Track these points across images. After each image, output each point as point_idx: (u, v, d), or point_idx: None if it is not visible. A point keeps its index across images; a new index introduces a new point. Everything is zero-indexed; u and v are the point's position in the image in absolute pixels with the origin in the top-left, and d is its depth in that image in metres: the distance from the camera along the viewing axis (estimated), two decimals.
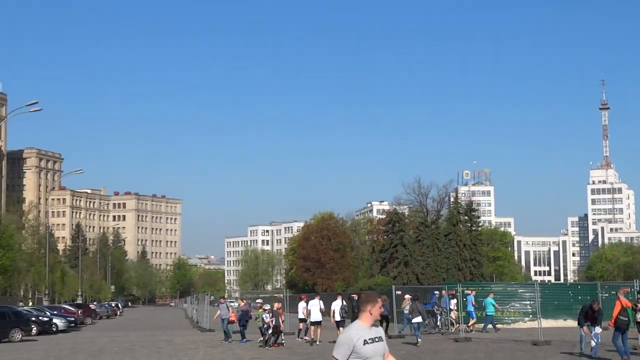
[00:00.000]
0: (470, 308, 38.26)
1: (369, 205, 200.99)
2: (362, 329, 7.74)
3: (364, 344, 7.64)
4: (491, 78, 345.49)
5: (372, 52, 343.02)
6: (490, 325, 37.45)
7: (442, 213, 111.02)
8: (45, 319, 48.44)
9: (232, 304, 38.98)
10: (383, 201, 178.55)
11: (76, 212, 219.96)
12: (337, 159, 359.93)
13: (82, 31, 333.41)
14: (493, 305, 37.51)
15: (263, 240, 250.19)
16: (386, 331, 26.11)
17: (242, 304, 37.09)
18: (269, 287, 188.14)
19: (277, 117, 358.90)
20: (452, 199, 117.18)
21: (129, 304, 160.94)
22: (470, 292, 39.22)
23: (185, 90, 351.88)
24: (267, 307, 29.24)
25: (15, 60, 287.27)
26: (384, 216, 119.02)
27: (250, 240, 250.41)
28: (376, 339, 7.75)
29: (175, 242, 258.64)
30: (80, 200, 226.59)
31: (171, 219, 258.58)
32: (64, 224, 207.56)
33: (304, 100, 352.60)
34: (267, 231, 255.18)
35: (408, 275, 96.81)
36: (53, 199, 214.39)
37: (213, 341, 34.75)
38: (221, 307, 36.67)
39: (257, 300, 38.22)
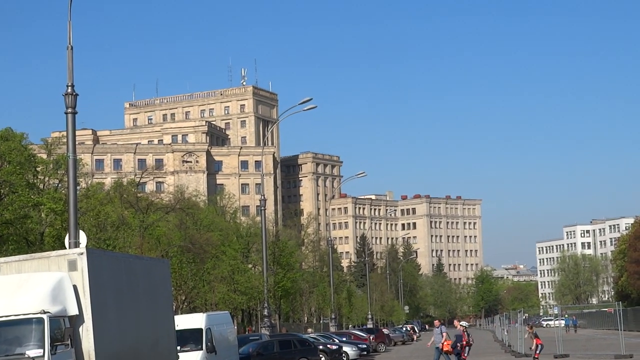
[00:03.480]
0: None
1: None
2: None
3: None
4: None
5: None
6: None
7: None
8: (334, 347, 49.73)
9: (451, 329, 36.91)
10: None
11: (360, 222, 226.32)
12: None
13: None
14: None
15: (583, 243, 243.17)
16: None
17: (458, 326, 35.77)
18: (594, 300, 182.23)
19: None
20: None
21: (426, 326, 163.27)
22: None
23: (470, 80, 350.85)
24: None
25: (283, 58, 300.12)
26: None
27: (568, 244, 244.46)
28: None
29: (476, 250, 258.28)
30: (363, 209, 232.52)
31: (470, 223, 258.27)
32: (347, 237, 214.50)
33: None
34: (588, 231, 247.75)
35: None
36: (333, 209, 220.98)
37: None
38: (435, 332, 35.42)
39: (462, 323, 35.62)
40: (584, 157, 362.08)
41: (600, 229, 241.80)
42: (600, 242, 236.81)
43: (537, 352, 33.20)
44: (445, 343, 33.49)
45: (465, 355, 32.84)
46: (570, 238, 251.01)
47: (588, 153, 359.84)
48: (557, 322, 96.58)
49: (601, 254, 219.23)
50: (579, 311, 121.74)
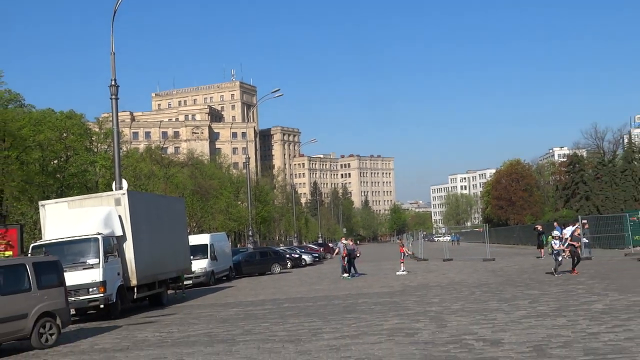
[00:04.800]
0: None
1: (551, 151, 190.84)
2: None
3: None
4: None
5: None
6: None
7: (618, 153, 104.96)
8: (296, 255, 50.26)
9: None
10: (563, 147, 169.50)
11: (313, 173, 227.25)
12: (520, 111, 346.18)
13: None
14: None
15: (462, 186, 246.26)
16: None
17: (350, 242, 34.75)
18: (468, 224, 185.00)
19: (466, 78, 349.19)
20: (626, 141, 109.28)
21: (358, 242, 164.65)
22: None
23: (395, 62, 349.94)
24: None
25: (260, 59, 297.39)
26: (564, 159, 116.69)
27: (451, 187, 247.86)
28: None
29: (390, 191, 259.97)
30: (315, 164, 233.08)
31: (386, 173, 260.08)
32: (304, 183, 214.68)
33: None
34: (465, 178, 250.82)
35: (589, 207, 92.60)
36: (294, 164, 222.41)
37: (429, 266, 34.65)
38: (339, 245, 33.65)
39: (346, 241, 33.99)
40: (459, 124, 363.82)
41: (472, 176, 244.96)
42: (473, 185, 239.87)
43: (402, 257, 32.80)
44: (343, 253, 32.47)
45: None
46: (453, 183, 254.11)
47: (461, 121, 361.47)
48: (445, 238, 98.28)
49: (473, 193, 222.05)
50: (459, 231, 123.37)
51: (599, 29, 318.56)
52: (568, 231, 24.44)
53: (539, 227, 41.04)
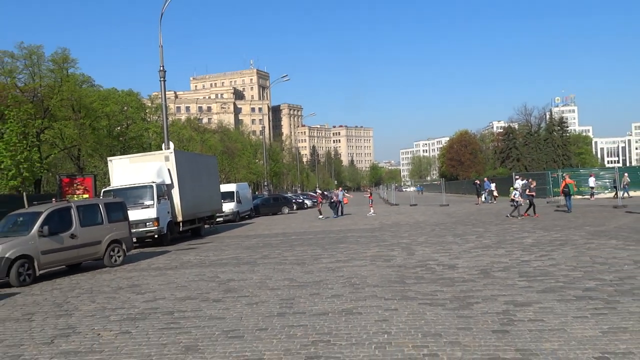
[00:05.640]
0: (592, 185, 36.12)
1: (491, 123, 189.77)
2: None
3: None
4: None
5: None
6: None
7: (542, 125, 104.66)
8: (300, 200, 50.49)
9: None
10: (500, 120, 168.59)
11: (312, 139, 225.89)
12: (469, 93, 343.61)
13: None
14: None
15: (423, 150, 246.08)
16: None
17: (339, 191, 33.45)
18: (428, 178, 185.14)
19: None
20: (548, 116, 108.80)
21: (345, 191, 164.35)
22: (591, 174, 37.27)
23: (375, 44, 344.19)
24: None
25: (272, 50, 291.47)
26: (501, 130, 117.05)
27: (416, 150, 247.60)
28: None
29: (370, 153, 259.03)
30: (314, 132, 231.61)
31: (367, 140, 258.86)
32: (305, 147, 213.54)
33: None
34: (426, 143, 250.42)
35: (520, 167, 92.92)
36: (298, 132, 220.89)
37: (400, 210, 34.78)
38: (337, 193, 33.05)
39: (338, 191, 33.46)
40: (422, 102, 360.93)
41: (432, 142, 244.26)
42: (432, 149, 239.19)
43: (370, 203, 32.79)
44: (344, 200, 32.79)
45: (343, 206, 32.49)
46: (417, 147, 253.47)
47: (423, 99, 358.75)
48: (411, 189, 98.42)
49: (432, 155, 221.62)
50: (422, 183, 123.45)
51: (528, 29, 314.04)
52: (518, 184, 23.87)
53: (477, 182, 41.13)
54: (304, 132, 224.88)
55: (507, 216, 23.37)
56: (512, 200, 23.60)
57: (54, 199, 16.03)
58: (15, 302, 10.23)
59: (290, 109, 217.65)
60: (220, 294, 9.51)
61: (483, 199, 38.90)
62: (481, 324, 6.54)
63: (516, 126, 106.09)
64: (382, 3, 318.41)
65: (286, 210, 41.39)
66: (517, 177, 26.42)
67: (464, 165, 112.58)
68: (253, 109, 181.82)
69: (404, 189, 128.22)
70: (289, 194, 60.22)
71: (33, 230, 12.87)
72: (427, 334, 6.27)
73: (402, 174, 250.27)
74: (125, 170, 21.03)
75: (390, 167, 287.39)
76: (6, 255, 12.09)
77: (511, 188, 25.47)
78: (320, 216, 31.36)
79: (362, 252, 14.27)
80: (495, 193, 39.20)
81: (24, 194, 21.42)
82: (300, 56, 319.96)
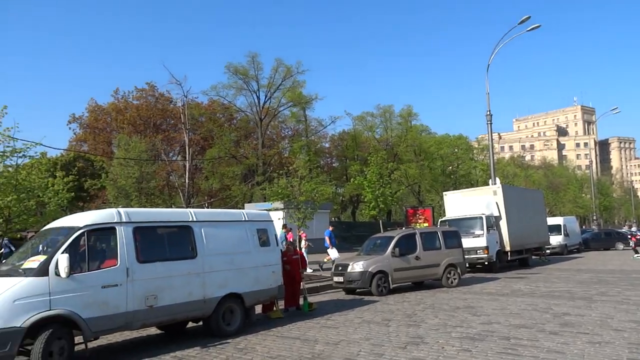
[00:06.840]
0: None
1: None
2: None
3: None
4: None
5: None
6: None
7: None
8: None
9: None
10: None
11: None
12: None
13: None
14: None
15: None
16: None
17: None
18: None
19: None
20: None
21: None
22: None
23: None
24: None
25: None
26: None
27: None
28: None
29: None
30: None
31: None
32: (638, 180, 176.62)
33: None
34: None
35: None
36: (631, 165, 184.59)
37: None
38: None
39: None
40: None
41: None
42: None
43: None
44: None
45: None
46: None
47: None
48: None
49: None
50: None
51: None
52: None
53: None
54: (638, 164, 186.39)
55: None
56: None
57: (401, 226, 17.19)
58: (376, 309, 11.16)
59: (620, 142, 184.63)
60: (557, 327, 8.32)
61: None
62: None
63: None
64: None
65: (621, 246, 34.51)
66: None
67: None
68: (577, 144, 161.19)
69: None
70: (624, 229, 50.26)
71: (388, 251, 14.01)
72: None
73: None
74: (458, 203, 21.11)
75: None
76: (369, 270, 13.49)
77: None
78: (636, 255, 25.02)
79: None
80: None
81: (380, 221, 23.83)
82: (623, 89, 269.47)
